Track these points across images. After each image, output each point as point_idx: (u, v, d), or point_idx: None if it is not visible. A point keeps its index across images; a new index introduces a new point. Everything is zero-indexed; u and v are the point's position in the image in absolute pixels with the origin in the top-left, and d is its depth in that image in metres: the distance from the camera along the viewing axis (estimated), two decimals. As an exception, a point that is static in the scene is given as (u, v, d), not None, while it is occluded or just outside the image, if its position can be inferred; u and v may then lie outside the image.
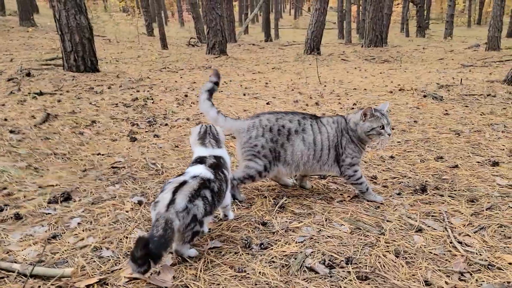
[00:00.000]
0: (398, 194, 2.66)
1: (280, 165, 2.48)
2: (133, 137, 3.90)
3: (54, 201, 2.44)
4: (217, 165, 1.99)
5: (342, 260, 1.85)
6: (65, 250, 1.94)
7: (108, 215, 2.29)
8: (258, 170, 2.45)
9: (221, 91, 6.89)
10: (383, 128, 2.43)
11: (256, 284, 1.69)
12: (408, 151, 3.57)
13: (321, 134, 2.48)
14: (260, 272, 1.77)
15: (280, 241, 2.03)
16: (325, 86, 7.61)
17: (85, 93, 6.26)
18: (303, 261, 1.84)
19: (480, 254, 1.92)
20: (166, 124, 4.47)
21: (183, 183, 1.80)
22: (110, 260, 1.86)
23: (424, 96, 6.25)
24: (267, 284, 1.69)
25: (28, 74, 7.34)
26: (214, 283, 1.70)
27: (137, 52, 13.49)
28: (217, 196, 1.91)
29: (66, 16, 7.43)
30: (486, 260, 1.87)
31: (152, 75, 8.75)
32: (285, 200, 2.49)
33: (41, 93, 5.98)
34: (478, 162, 3.20)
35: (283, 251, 1.93)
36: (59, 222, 2.20)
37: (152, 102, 5.68)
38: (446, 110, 5.23)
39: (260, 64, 11.84)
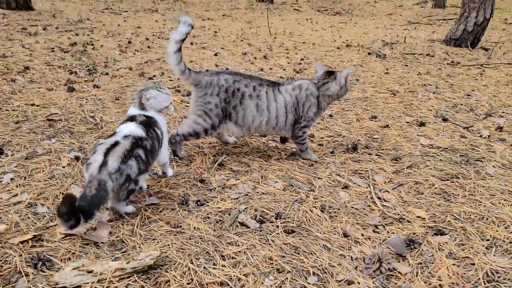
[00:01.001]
0: (332, 152, 2.83)
1: (231, 124, 2.52)
2: (70, 87, 3.74)
3: (-15, 156, 2.36)
4: (148, 123, 2.00)
5: (273, 216, 2.00)
6: (-2, 207, 1.92)
7: (43, 171, 2.27)
8: (204, 128, 2.48)
9: (167, 39, 6.65)
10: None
11: (190, 239, 1.80)
12: (346, 110, 3.75)
13: (276, 102, 2.52)
14: (194, 227, 1.87)
15: (216, 198, 2.14)
16: (275, 38, 7.57)
17: (17, 34, 5.81)
18: (236, 217, 1.97)
19: (394, 209, 2.15)
20: (107, 74, 4.31)
21: (115, 144, 1.81)
22: (45, 216, 1.88)
23: (369, 54, 6.43)
24: (200, 238, 1.80)
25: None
26: (150, 238, 1.78)
27: (77, -11, 12.47)
28: (151, 154, 1.95)
29: None
30: (399, 214, 2.10)
31: (92, 16, 8.22)
32: (224, 158, 2.58)
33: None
34: (407, 122, 3.45)
35: (218, 208, 2.04)
36: (-9, 178, 2.15)
37: (93, 48, 5.40)
38: (387, 69, 5.45)
39: (210, 10, 11.44)
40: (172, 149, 2.52)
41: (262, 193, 2.22)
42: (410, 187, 2.39)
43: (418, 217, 2.08)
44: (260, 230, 1.89)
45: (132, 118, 2.00)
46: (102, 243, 1.72)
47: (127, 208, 1.94)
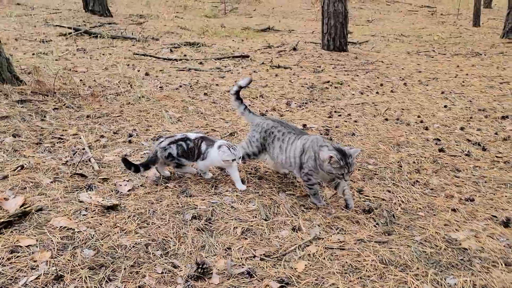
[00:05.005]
0: (346, 206, 2.93)
1: (267, 156, 3.33)
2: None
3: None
4: (204, 138, 3.23)
5: (204, 218, 2.74)
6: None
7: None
8: (247, 153, 3.37)
9: (439, 104, 6.64)
10: (342, 175, 2.82)
11: (161, 199, 2.90)
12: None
13: (291, 146, 3.12)
14: (169, 197, 2.94)
15: (203, 195, 3.04)
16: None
17: (307, 69, 7.70)
18: (188, 211, 2.86)
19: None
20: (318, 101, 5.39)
21: (173, 135, 3.24)
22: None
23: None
24: (168, 200, 2.87)
25: (294, 49, 9.57)
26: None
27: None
28: (189, 149, 3.16)
29: (327, 3, 9.00)
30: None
31: (402, 60, 9.08)
32: (252, 180, 3.29)
33: (278, 66, 7.90)
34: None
35: (192, 202, 2.96)
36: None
37: (335, 87, 6.46)
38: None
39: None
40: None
41: (231, 206, 2.91)
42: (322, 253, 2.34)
43: None
44: (185, 222, 2.71)
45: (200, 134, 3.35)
46: (147, 177, 3.19)
47: (190, 170, 3.31)
